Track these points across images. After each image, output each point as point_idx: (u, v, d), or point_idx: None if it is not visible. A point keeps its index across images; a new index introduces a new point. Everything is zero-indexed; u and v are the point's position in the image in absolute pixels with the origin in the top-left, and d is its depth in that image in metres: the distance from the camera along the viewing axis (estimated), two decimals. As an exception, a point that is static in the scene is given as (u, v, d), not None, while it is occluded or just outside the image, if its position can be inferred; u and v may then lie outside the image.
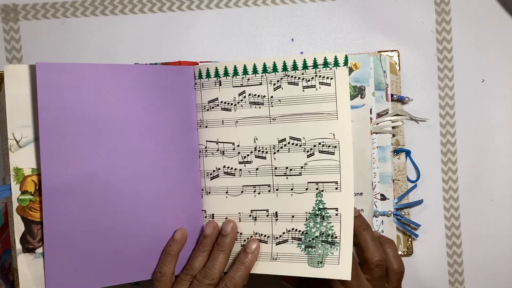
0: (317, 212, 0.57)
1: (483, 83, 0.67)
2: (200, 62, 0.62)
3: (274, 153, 0.58)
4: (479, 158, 0.67)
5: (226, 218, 0.59)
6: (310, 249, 0.57)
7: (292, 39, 0.67)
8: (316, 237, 0.57)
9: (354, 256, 0.57)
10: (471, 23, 0.67)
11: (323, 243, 0.56)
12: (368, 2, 0.67)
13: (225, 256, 0.58)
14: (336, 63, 0.56)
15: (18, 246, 0.56)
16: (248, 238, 0.59)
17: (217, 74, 0.59)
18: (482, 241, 0.67)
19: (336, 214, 0.56)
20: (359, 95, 0.61)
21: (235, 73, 0.58)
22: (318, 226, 0.57)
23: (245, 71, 0.58)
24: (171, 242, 0.58)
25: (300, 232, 0.57)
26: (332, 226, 0.56)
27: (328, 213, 0.56)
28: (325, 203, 0.56)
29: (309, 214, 0.57)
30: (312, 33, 0.67)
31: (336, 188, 0.56)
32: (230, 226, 0.58)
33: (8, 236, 0.62)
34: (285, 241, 0.58)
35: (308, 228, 0.57)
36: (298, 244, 0.57)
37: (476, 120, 0.67)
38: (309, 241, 0.57)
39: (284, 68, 0.57)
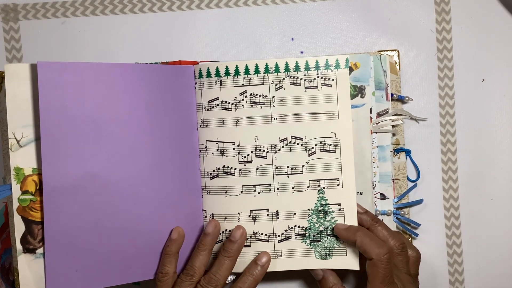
0: (319, 208, 0.58)
1: (483, 83, 0.67)
2: (200, 61, 0.62)
3: (275, 152, 0.58)
4: (479, 158, 0.67)
5: (225, 218, 0.59)
6: (315, 243, 0.58)
7: (292, 39, 0.67)
8: (321, 231, 0.58)
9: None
10: (471, 23, 0.67)
11: (329, 237, 0.58)
12: (368, 2, 0.67)
13: (231, 263, 0.58)
14: (337, 65, 0.57)
15: (19, 246, 0.56)
16: (247, 238, 0.59)
17: (218, 74, 0.59)
18: (482, 241, 0.67)
19: (339, 209, 0.58)
20: (359, 95, 0.61)
21: (237, 73, 0.59)
22: (321, 221, 0.58)
23: (246, 71, 0.58)
24: (169, 242, 0.58)
25: (304, 228, 0.58)
26: (336, 220, 0.58)
27: (331, 208, 0.58)
28: (327, 199, 0.58)
29: (312, 211, 0.58)
30: (312, 32, 0.67)
31: (338, 185, 0.58)
32: (239, 232, 0.58)
33: (8, 235, 0.62)
34: (288, 238, 0.59)
35: (312, 224, 0.58)
36: (303, 239, 0.58)
37: (476, 119, 0.67)
38: (314, 236, 0.58)
39: (286, 69, 0.58)
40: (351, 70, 0.61)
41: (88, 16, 0.67)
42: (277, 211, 0.58)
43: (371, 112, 0.62)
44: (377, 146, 0.63)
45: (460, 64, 0.67)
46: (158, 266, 0.59)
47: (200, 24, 0.67)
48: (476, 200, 0.67)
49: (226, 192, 0.59)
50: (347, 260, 0.58)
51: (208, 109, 0.59)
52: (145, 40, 0.67)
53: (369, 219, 0.58)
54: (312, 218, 0.58)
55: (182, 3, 0.67)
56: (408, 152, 0.66)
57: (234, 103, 0.59)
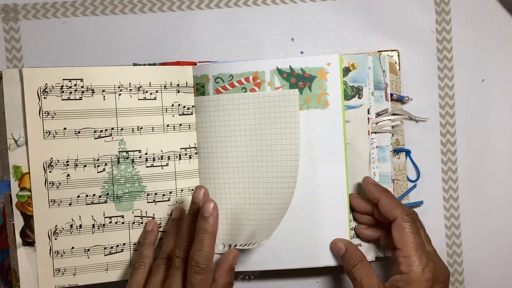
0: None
1: (483, 83, 0.66)
2: (199, 62, 0.62)
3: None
4: (479, 158, 0.67)
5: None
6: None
7: (292, 39, 0.67)
8: None
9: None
10: (471, 23, 0.66)
11: None
12: (368, 2, 0.67)
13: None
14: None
15: (19, 239, 0.58)
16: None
17: None
18: (482, 241, 0.67)
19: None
20: (357, 95, 0.61)
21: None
22: None
23: None
24: (145, 233, 0.60)
25: None
26: None
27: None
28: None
29: None
30: (312, 33, 0.67)
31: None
32: (211, 206, 0.53)
33: (6, 236, 0.63)
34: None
35: None
36: None
37: (476, 120, 0.67)
38: None
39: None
40: (348, 70, 0.61)
41: (88, 16, 0.67)
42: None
43: (368, 113, 0.61)
44: (376, 147, 0.63)
45: (460, 64, 0.66)
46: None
47: (200, 24, 0.67)
48: (476, 200, 0.67)
49: None
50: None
51: None
52: (145, 40, 0.67)
53: (378, 188, 0.58)
54: None
55: (182, 3, 0.67)
56: (408, 152, 0.66)
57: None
